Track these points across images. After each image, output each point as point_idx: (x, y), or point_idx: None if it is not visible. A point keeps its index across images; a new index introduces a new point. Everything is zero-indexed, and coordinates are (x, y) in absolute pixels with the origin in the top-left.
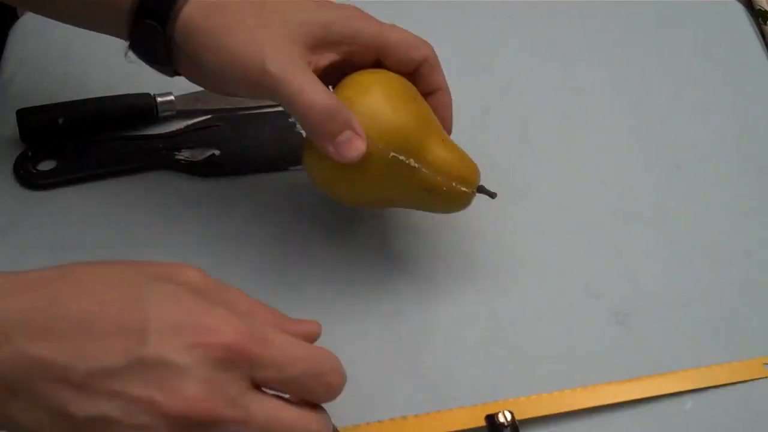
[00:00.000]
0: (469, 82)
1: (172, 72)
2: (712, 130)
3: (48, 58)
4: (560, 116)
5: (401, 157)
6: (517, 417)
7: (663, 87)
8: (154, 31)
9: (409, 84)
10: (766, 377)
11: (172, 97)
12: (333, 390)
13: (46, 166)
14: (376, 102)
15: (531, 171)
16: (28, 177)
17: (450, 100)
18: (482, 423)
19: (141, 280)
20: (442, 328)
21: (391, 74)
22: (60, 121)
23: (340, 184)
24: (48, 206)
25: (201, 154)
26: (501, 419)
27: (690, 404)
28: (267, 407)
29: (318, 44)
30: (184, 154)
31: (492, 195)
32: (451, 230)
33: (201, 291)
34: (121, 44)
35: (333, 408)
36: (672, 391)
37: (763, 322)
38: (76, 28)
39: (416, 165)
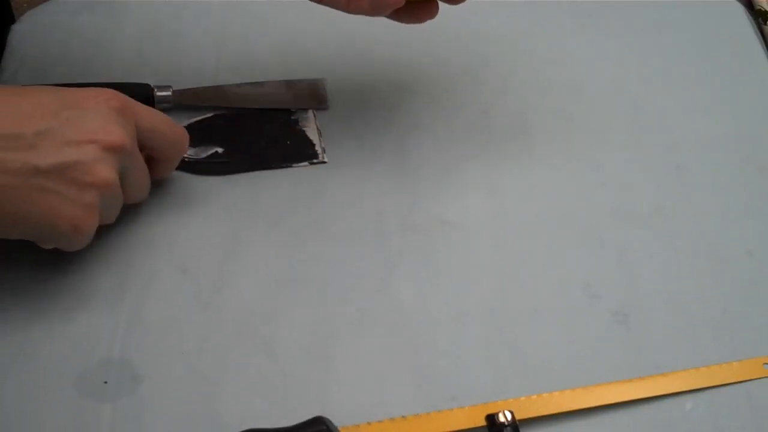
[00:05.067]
0: (469, 82)
1: None
2: (712, 130)
3: (48, 57)
4: (560, 116)
5: None
6: (517, 417)
7: (663, 87)
8: None
9: None
10: (766, 377)
11: (170, 92)
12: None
13: None
14: None
15: (531, 171)
16: None
17: None
18: (482, 423)
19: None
20: (442, 328)
21: None
22: None
23: None
24: None
25: (204, 152)
26: (501, 419)
27: (690, 404)
28: None
29: None
30: (187, 152)
31: None
32: (452, 229)
33: None
34: (122, 43)
35: (334, 408)
36: (672, 391)
37: (763, 322)
38: (76, 29)
39: None
